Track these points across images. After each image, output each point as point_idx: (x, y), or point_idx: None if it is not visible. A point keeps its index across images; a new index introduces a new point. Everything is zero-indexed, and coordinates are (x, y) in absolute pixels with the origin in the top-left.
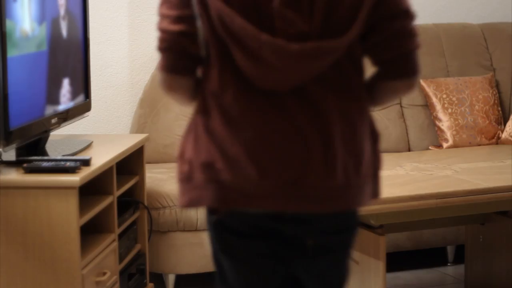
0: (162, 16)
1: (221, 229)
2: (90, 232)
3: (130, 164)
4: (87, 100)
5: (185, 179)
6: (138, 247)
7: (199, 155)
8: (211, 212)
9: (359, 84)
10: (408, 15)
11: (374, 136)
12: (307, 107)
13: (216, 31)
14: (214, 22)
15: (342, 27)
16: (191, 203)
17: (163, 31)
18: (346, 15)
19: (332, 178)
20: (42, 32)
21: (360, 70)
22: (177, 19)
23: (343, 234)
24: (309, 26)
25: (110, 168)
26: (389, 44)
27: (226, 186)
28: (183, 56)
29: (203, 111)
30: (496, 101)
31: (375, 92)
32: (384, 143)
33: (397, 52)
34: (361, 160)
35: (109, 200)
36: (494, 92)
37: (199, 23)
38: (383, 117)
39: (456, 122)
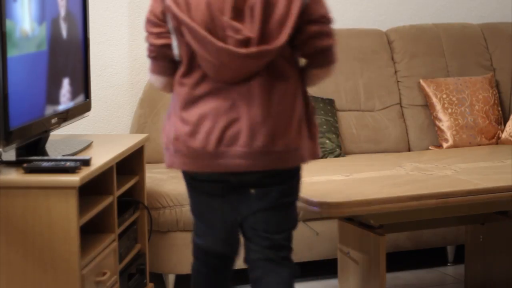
0: (148, 33)
1: (187, 177)
2: (90, 232)
3: (130, 164)
4: (87, 100)
5: (165, 149)
6: (138, 247)
7: (170, 130)
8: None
9: (290, 71)
10: (324, 20)
11: (307, 112)
12: (245, 88)
13: (186, 40)
14: (184, 34)
15: (275, 33)
16: (169, 166)
17: (150, 44)
18: (278, 24)
19: (255, 142)
20: (42, 32)
21: (291, 60)
22: (159, 35)
23: (278, 186)
24: (251, 33)
25: (110, 168)
26: (309, 42)
27: (185, 155)
28: (165, 61)
29: (174, 97)
30: (496, 101)
31: (306, 76)
32: (384, 143)
33: (315, 49)
34: (284, 129)
35: (109, 200)
36: (494, 92)
37: (173, 36)
38: (383, 117)
39: (456, 122)
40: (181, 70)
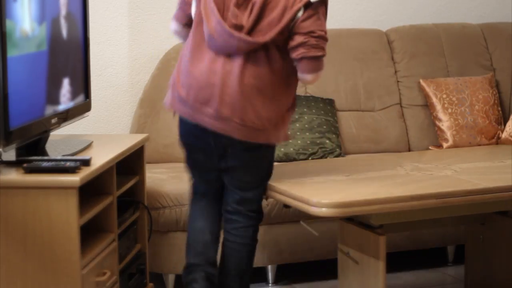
0: None
1: (181, 125)
2: (90, 232)
3: (130, 164)
4: (87, 100)
5: (169, 92)
6: (138, 247)
7: (173, 80)
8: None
9: (281, 63)
10: (312, 34)
11: (284, 101)
12: (229, 63)
13: (199, 7)
14: (201, 1)
15: (263, 32)
16: (169, 107)
17: (179, 2)
18: (268, 26)
19: (222, 108)
20: (42, 32)
21: (283, 55)
22: None
23: (250, 152)
24: (245, 23)
25: (110, 168)
26: (296, 50)
27: (179, 101)
28: (183, 13)
29: (180, 55)
30: (496, 101)
31: (299, 78)
32: (384, 143)
33: (300, 56)
34: (247, 106)
35: (109, 200)
36: (494, 92)
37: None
38: (383, 117)
39: (456, 122)
40: (190, 31)
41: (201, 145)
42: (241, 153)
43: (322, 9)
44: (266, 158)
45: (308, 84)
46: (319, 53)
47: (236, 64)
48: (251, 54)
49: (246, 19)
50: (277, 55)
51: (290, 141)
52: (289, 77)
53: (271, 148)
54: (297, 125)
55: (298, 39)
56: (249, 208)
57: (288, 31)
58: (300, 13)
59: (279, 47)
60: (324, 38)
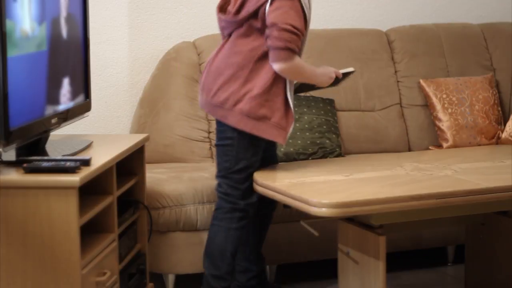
0: None
1: None
2: (90, 232)
3: (130, 164)
4: (87, 100)
5: None
6: (138, 247)
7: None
8: None
9: (247, 48)
10: (274, 26)
11: (249, 85)
12: (221, 49)
13: None
14: None
15: (239, 14)
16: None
17: None
18: (245, 12)
19: (201, 85)
20: (42, 32)
21: (254, 38)
22: None
23: (218, 134)
24: (231, 8)
25: (110, 168)
26: (266, 41)
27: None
28: None
29: None
30: (496, 101)
31: None
32: (384, 143)
33: (267, 46)
34: (214, 84)
35: (109, 200)
36: (494, 92)
37: None
38: (383, 117)
39: (456, 122)
40: None
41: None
42: (217, 131)
43: (290, 3)
44: (232, 146)
45: (285, 76)
46: (279, 44)
47: (223, 44)
48: (228, 39)
49: (232, 6)
50: (247, 41)
51: (290, 141)
52: (257, 63)
53: (239, 138)
54: (297, 125)
55: (266, 31)
56: (222, 191)
57: (261, 20)
58: (267, 6)
59: (255, 33)
60: (288, 31)
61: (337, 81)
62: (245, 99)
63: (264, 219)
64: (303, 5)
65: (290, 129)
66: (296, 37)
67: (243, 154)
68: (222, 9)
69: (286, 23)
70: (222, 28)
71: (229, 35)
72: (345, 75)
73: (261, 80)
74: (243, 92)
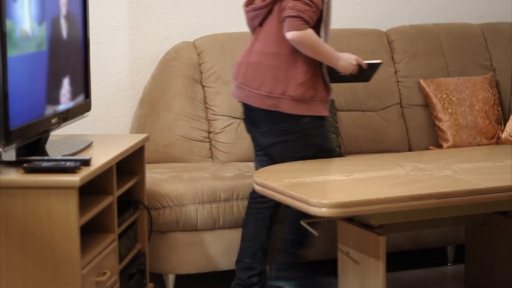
0: None
1: None
2: (90, 232)
3: (130, 164)
4: (87, 100)
5: None
6: (138, 247)
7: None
8: None
9: (277, 32)
10: (287, 4)
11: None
12: (255, 42)
13: None
14: None
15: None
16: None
17: None
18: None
19: (238, 77)
20: (42, 32)
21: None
22: None
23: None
24: (257, 1)
25: (110, 168)
26: (283, 12)
27: None
28: None
29: None
30: (496, 101)
31: None
32: (384, 143)
33: (283, 16)
34: (250, 72)
35: (109, 200)
36: (494, 92)
37: None
38: (383, 117)
39: (456, 122)
40: None
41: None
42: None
43: None
44: (294, 129)
45: (297, 47)
46: (292, 13)
47: (250, 41)
48: (258, 32)
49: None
50: (279, 29)
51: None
52: (295, 48)
53: (293, 119)
54: None
55: (282, 4)
56: None
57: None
58: None
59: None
60: (301, 1)
61: (365, 74)
62: (292, 86)
63: (273, 217)
64: None
65: (330, 101)
66: (309, 7)
67: (314, 139)
68: (248, 4)
69: (298, 2)
70: (251, 20)
71: (260, 25)
72: (372, 67)
73: (304, 64)
74: (289, 78)
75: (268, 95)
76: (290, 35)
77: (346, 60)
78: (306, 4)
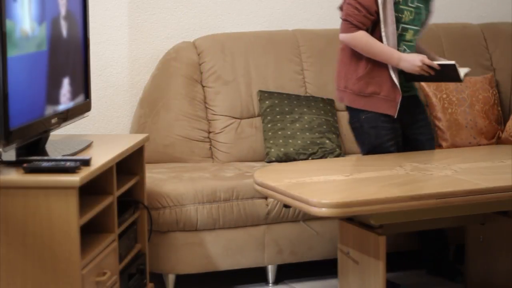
0: None
1: None
2: (90, 232)
3: (130, 164)
4: (87, 100)
5: None
6: (138, 247)
7: None
8: None
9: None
10: (344, 2)
11: (351, 71)
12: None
13: None
14: None
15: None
16: None
17: None
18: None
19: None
20: (42, 32)
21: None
22: None
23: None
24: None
25: (110, 168)
26: None
27: None
28: None
29: None
30: (496, 101)
31: None
32: None
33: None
34: (336, 74)
35: (109, 200)
36: (494, 92)
37: None
38: None
39: (456, 122)
40: None
41: None
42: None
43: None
44: (354, 123)
45: (350, 46)
46: (342, 16)
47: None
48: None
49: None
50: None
51: (290, 141)
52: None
53: (355, 114)
54: (297, 125)
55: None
56: None
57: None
58: None
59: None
60: (351, 5)
61: (447, 74)
62: (353, 80)
63: None
64: None
65: (399, 101)
66: (358, 12)
67: (367, 136)
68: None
69: (348, 4)
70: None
71: None
72: (448, 68)
73: (366, 60)
74: (351, 73)
75: (337, 88)
76: (340, 36)
77: (409, 61)
78: (355, 8)
